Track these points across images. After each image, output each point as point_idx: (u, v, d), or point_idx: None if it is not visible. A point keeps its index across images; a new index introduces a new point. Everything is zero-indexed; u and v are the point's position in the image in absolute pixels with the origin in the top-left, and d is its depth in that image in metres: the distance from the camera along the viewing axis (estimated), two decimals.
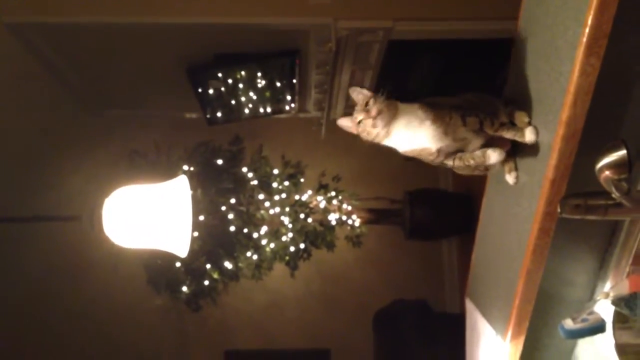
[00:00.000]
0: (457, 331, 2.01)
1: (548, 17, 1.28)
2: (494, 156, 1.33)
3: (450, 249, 5.36)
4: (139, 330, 4.82)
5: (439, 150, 1.35)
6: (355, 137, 1.38)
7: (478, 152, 1.35)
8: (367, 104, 1.34)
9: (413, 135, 1.33)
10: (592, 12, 1.06)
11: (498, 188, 1.60)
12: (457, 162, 1.37)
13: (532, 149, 1.33)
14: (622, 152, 0.98)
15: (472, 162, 1.36)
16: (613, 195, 1.07)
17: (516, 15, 1.48)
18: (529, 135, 1.32)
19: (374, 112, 1.32)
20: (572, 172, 1.21)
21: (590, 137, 1.17)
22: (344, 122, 1.39)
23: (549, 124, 1.24)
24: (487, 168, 1.45)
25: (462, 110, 1.34)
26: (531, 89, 1.36)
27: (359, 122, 1.35)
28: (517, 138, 1.34)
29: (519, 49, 1.46)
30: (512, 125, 1.36)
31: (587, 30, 1.08)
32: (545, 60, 1.29)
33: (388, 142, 1.37)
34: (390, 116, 1.32)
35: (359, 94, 1.38)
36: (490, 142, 1.37)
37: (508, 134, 1.35)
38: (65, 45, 3.75)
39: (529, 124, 1.34)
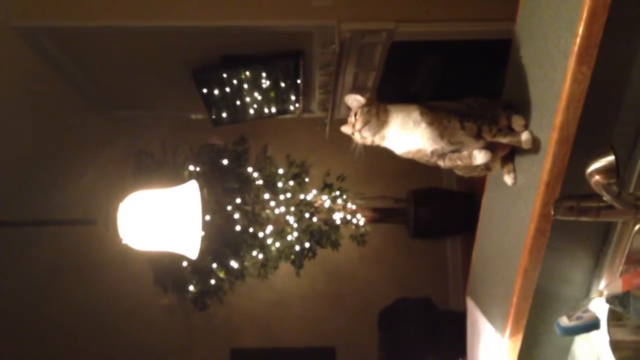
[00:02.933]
0: (461, 329, 2.05)
1: (542, 26, 1.32)
2: (479, 157, 1.38)
3: (454, 247, 5.39)
4: (145, 330, 4.87)
5: (432, 152, 1.40)
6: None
7: (465, 153, 1.39)
8: (355, 114, 1.38)
9: (408, 136, 1.37)
10: (582, 23, 1.11)
11: (497, 190, 1.64)
12: (447, 162, 1.41)
13: (528, 153, 1.38)
14: (611, 158, 1.02)
15: (459, 162, 1.40)
16: (604, 198, 1.11)
17: (516, 16, 1.52)
18: (525, 140, 1.36)
19: (358, 125, 1.37)
20: (566, 174, 1.25)
21: (583, 141, 1.21)
22: (344, 129, 1.45)
23: (544, 128, 1.29)
24: (487, 168, 1.49)
25: (460, 115, 1.38)
26: (527, 94, 1.40)
27: (352, 133, 1.40)
28: (514, 143, 1.38)
29: (515, 56, 1.50)
30: (509, 130, 1.40)
31: (578, 40, 1.12)
32: (539, 67, 1.33)
33: (385, 144, 1.42)
34: (379, 124, 1.37)
35: (354, 101, 1.43)
36: (489, 147, 1.41)
37: (505, 140, 1.39)
38: (73, 47, 3.80)
39: (525, 127, 1.38)
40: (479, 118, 1.38)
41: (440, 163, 1.42)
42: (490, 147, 1.41)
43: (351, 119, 1.40)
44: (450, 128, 1.36)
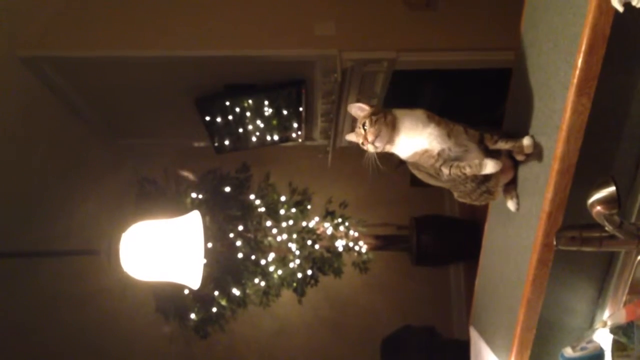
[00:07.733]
0: (465, 357, 2.04)
1: (541, 58, 1.34)
2: (490, 165, 1.37)
3: (457, 275, 5.36)
4: (146, 358, 4.82)
5: (439, 154, 1.39)
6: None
7: (475, 161, 1.38)
8: (364, 124, 1.39)
9: (417, 138, 1.38)
10: (581, 55, 1.12)
11: (498, 219, 1.64)
12: (454, 170, 1.40)
13: (530, 182, 1.38)
14: (612, 189, 1.02)
15: (468, 170, 1.39)
16: (606, 228, 1.11)
17: (516, 46, 1.54)
18: (526, 145, 1.37)
19: (371, 137, 1.37)
20: (568, 204, 1.26)
21: (584, 172, 1.22)
22: (351, 138, 1.46)
23: (545, 158, 1.29)
24: (490, 192, 1.49)
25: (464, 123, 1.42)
26: (527, 125, 1.41)
27: (362, 144, 1.41)
28: (516, 148, 1.39)
29: (515, 86, 1.52)
30: (509, 137, 1.42)
31: (577, 72, 1.13)
32: (539, 99, 1.34)
33: (393, 149, 1.42)
34: (389, 132, 1.38)
35: (358, 110, 1.45)
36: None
37: (507, 145, 1.40)
38: (77, 77, 3.83)
39: (527, 156, 1.39)
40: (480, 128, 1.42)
41: (445, 170, 1.41)
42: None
43: (360, 130, 1.40)
44: (455, 130, 1.39)
